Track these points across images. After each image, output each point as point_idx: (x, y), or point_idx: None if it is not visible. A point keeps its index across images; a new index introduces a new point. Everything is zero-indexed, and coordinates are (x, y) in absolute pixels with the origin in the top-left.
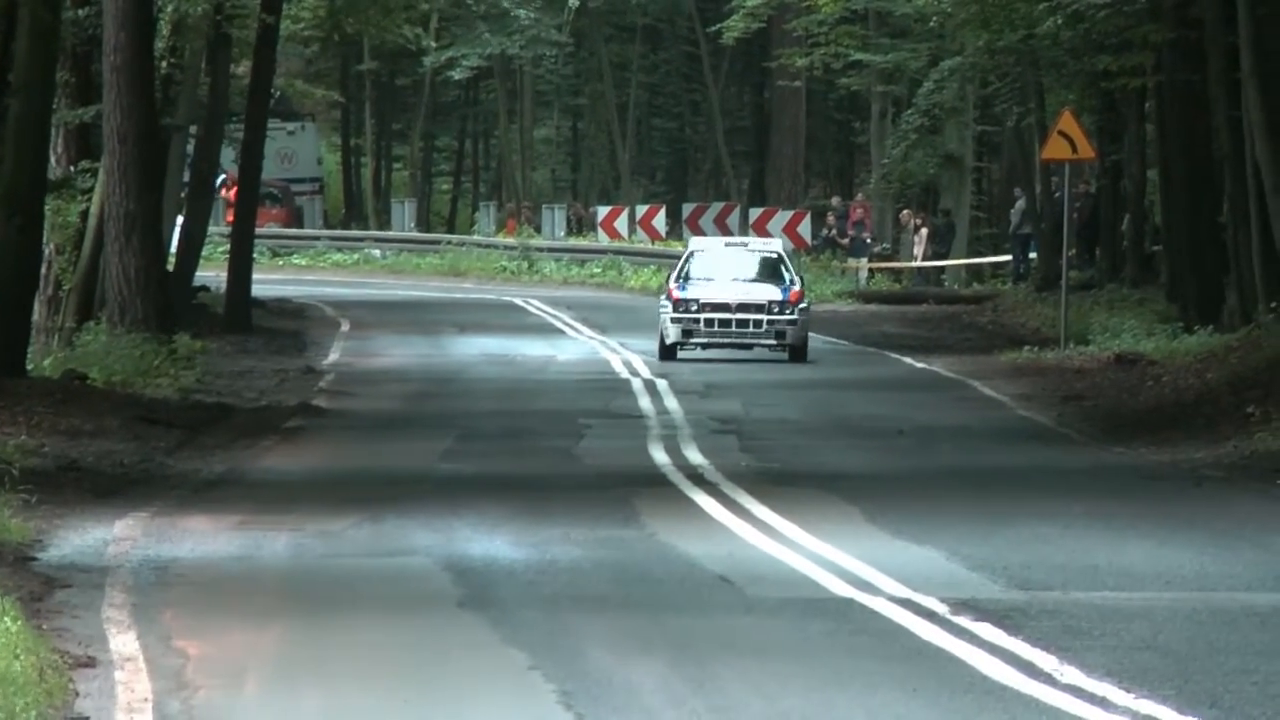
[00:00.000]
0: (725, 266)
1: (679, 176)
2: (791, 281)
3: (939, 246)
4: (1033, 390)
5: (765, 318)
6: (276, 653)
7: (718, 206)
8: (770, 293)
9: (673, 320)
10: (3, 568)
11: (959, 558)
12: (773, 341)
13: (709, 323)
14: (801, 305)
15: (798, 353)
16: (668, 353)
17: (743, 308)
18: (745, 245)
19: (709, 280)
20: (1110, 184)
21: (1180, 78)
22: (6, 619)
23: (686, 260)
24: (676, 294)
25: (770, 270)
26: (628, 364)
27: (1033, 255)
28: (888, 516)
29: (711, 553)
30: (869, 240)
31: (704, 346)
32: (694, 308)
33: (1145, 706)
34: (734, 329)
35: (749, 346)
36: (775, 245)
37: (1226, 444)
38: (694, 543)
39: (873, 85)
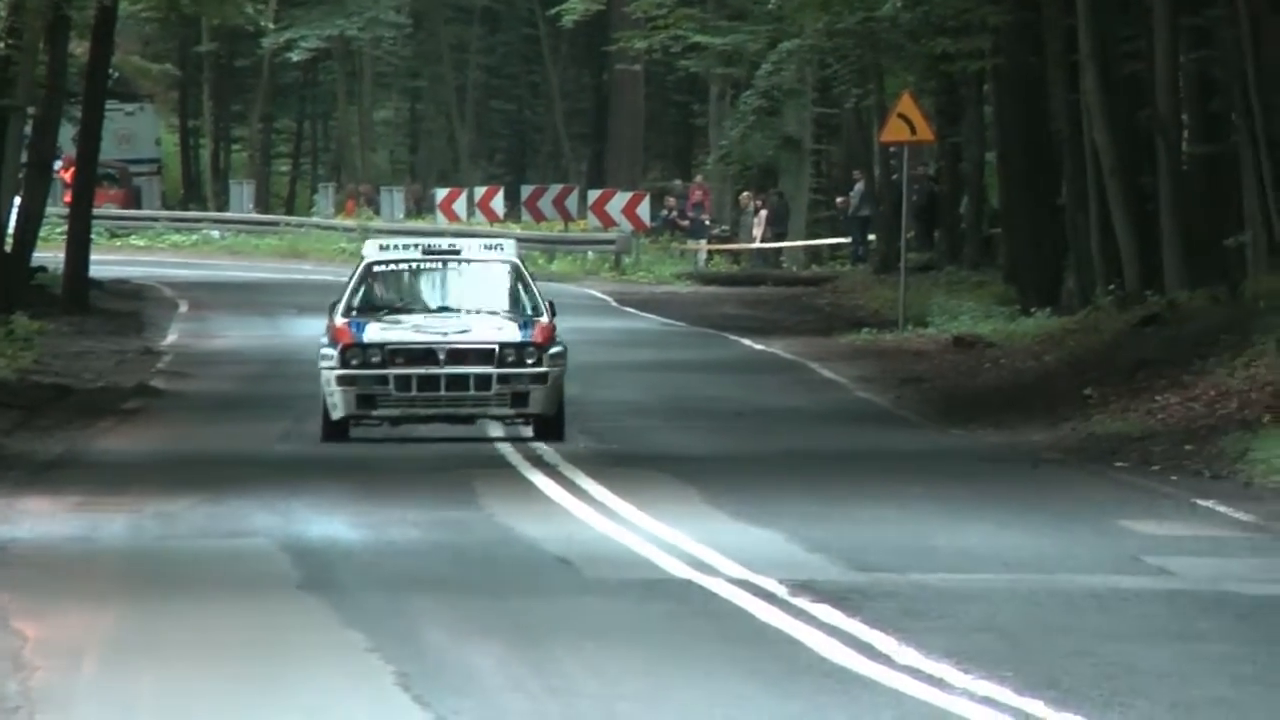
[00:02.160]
0: (425, 289)
1: (518, 159)
2: (535, 310)
3: (777, 228)
4: (871, 372)
5: (495, 371)
6: (114, 634)
7: (556, 188)
8: (501, 331)
9: (342, 381)
10: None
11: (798, 539)
12: (509, 410)
13: (403, 383)
14: (554, 350)
15: (549, 427)
16: (335, 431)
17: (458, 357)
18: (457, 253)
19: (401, 312)
20: (949, 166)
21: (1019, 61)
22: None
23: (361, 280)
24: (348, 336)
25: (500, 293)
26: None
27: (871, 237)
28: (726, 498)
29: (550, 534)
30: (708, 222)
31: (395, 421)
32: (376, 359)
33: (983, 688)
34: (445, 392)
35: (468, 419)
36: (506, 252)
37: (1064, 426)
38: (533, 524)
39: (711, 68)
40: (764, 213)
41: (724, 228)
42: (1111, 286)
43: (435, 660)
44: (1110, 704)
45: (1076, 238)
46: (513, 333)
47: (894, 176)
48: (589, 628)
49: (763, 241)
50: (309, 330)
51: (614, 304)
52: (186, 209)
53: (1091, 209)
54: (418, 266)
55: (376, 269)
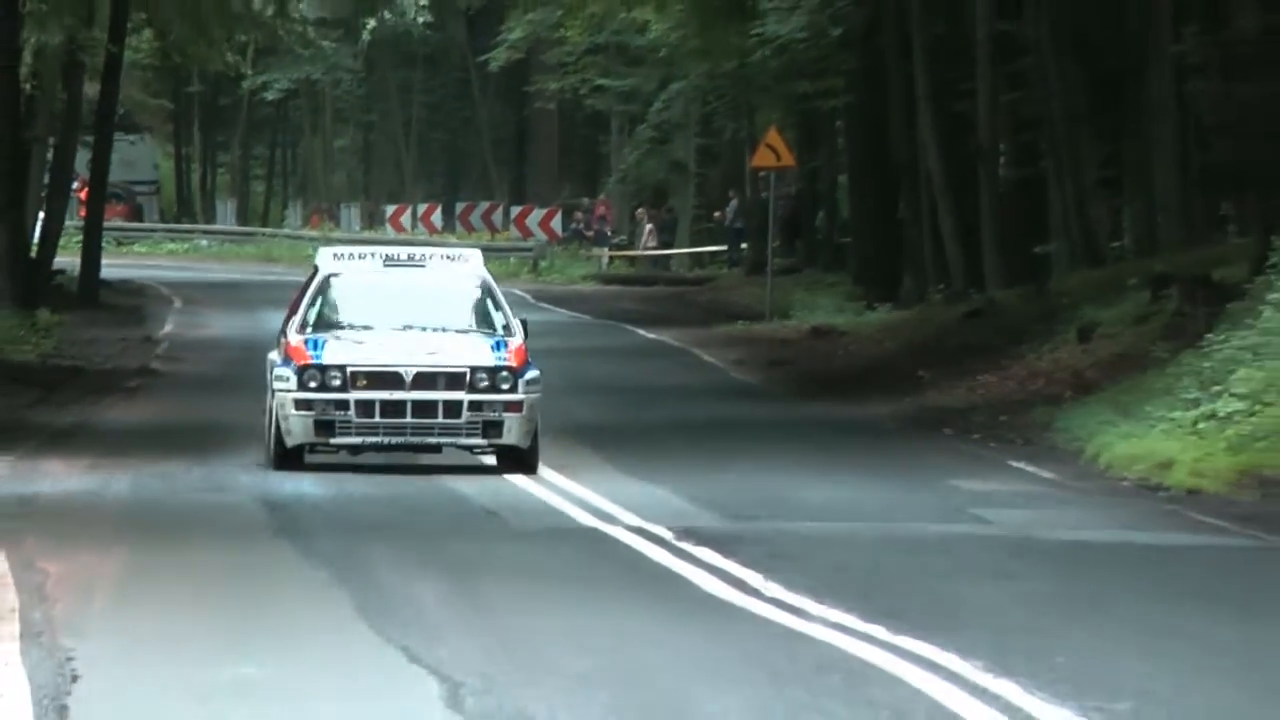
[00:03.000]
0: (387, 303)
1: (453, 180)
2: (506, 329)
3: (665, 237)
4: (744, 356)
5: (465, 397)
6: (119, 572)
7: (484, 204)
8: (472, 351)
9: (299, 405)
10: None
11: (684, 494)
12: (479, 440)
13: (364, 408)
14: (529, 375)
15: (521, 460)
16: (287, 458)
17: (425, 381)
18: (421, 265)
19: (362, 329)
20: (808, 186)
21: (866, 99)
22: None
23: (318, 293)
24: (305, 356)
25: (468, 309)
26: None
27: (744, 245)
28: (624, 460)
29: (480, 491)
30: (609, 233)
31: (355, 450)
32: (336, 382)
33: (835, 615)
34: (410, 419)
35: (435, 448)
36: (473, 264)
37: (903, 400)
38: (465, 483)
39: (612, 105)
40: (651, 225)
41: (622, 237)
42: (941, 286)
43: (387, 595)
44: (940, 630)
45: (913, 245)
46: (485, 354)
47: (763, 195)
48: (513, 568)
49: (654, 249)
50: (281, 322)
51: (531, 300)
52: (179, 222)
53: (925, 222)
54: (378, 279)
55: (334, 281)
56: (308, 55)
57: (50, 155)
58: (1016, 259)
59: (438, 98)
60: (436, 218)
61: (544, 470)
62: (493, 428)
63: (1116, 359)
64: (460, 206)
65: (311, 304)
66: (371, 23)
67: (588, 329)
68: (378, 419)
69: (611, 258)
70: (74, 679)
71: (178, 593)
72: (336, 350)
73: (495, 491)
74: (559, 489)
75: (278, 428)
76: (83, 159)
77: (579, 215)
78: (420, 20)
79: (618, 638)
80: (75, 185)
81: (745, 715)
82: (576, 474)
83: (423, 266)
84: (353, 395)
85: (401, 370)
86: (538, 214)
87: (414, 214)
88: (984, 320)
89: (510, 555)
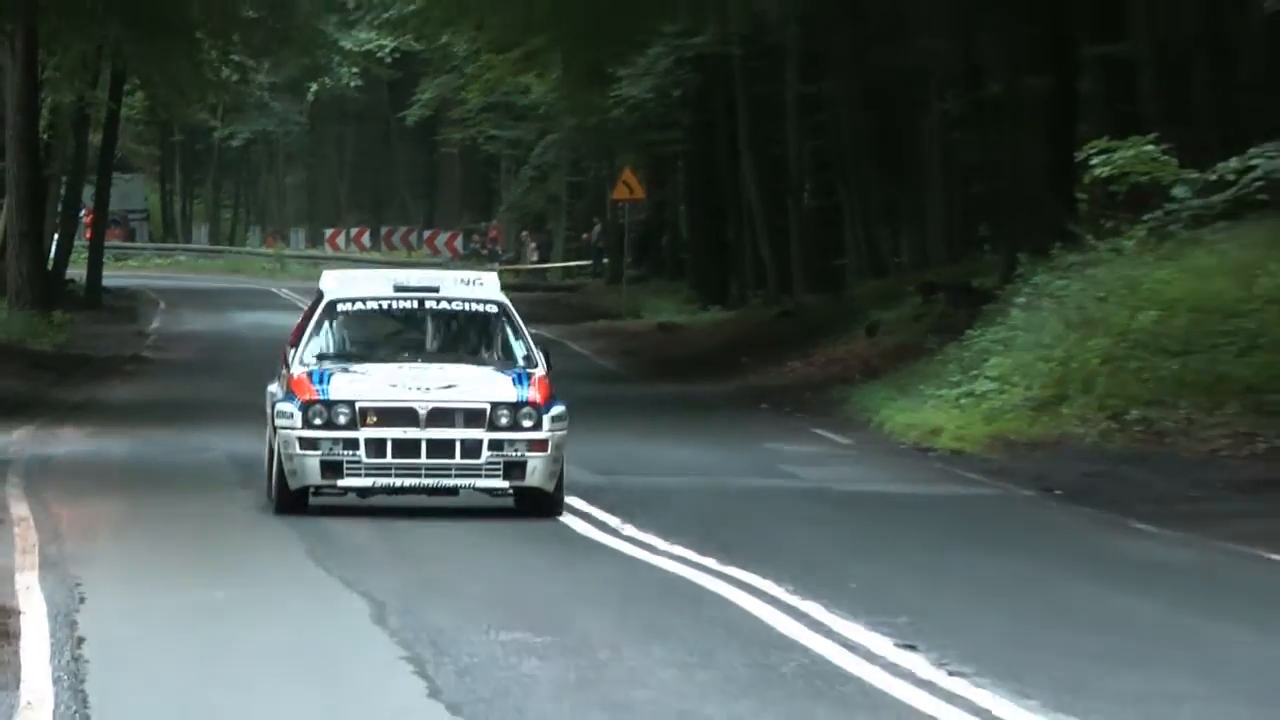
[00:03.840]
0: (398, 333)
1: (378, 209)
2: (528, 360)
3: (543, 254)
4: (605, 346)
5: (485, 436)
6: (119, 516)
7: (403, 228)
8: (492, 385)
9: (304, 444)
10: None
11: None
12: (500, 482)
13: (375, 448)
14: (555, 411)
15: (545, 504)
16: (291, 501)
17: (441, 418)
18: (434, 290)
19: (370, 361)
20: (656, 214)
21: (700, 146)
22: None
23: (322, 321)
24: (310, 390)
25: (487, 339)
26: None
27: (605, 260)
28: None
29: None
30: (500, 250)
31: (365, 493)
32: (344, 419)
33: (677, 550)
34: (426, 459)
35: (452, 490)
36: (489, 289)
37: (730, 382)
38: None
39: (502, 150)
40: (532, 244)
41: (510, 254)
42: (759, 292)
43: (325, 532)
44: (761, 562)
45: (737, 260)
46: (506, 389)
47: (620, 221)
48: (428, 514)
49: (535, 264)
50: (244, 320)
51: None
52: (164, 241)
53: (746, 241)
54: (389, 306)
55: (340, 308)
56: (264, 113)
57: (63, 190)
58: (818, 271)
59: (366, 145)
60: (366, 239)
61: None
62: (515, 469)
63: (897, 349)
64: (384, 230)
65: (316, 333)
66: (314, 87)
67: None
68: (390, 459)
69: (501, 270)
70: (81, 600)
71: (164, 533)
72: (344, 384)
73: None
74: None
75: (280, 468)
76: (88, 193)
77: (476, 237)
78: (353, 85)
79: (507, 569)
80: (83, 213)
81: (607, 627)
82: None
83: (436, 291)
84: (362, 433)
85: (416, 406)
86: (444, 236)
87: (347, 235)
88: (793, 319)
89: (424, 506)
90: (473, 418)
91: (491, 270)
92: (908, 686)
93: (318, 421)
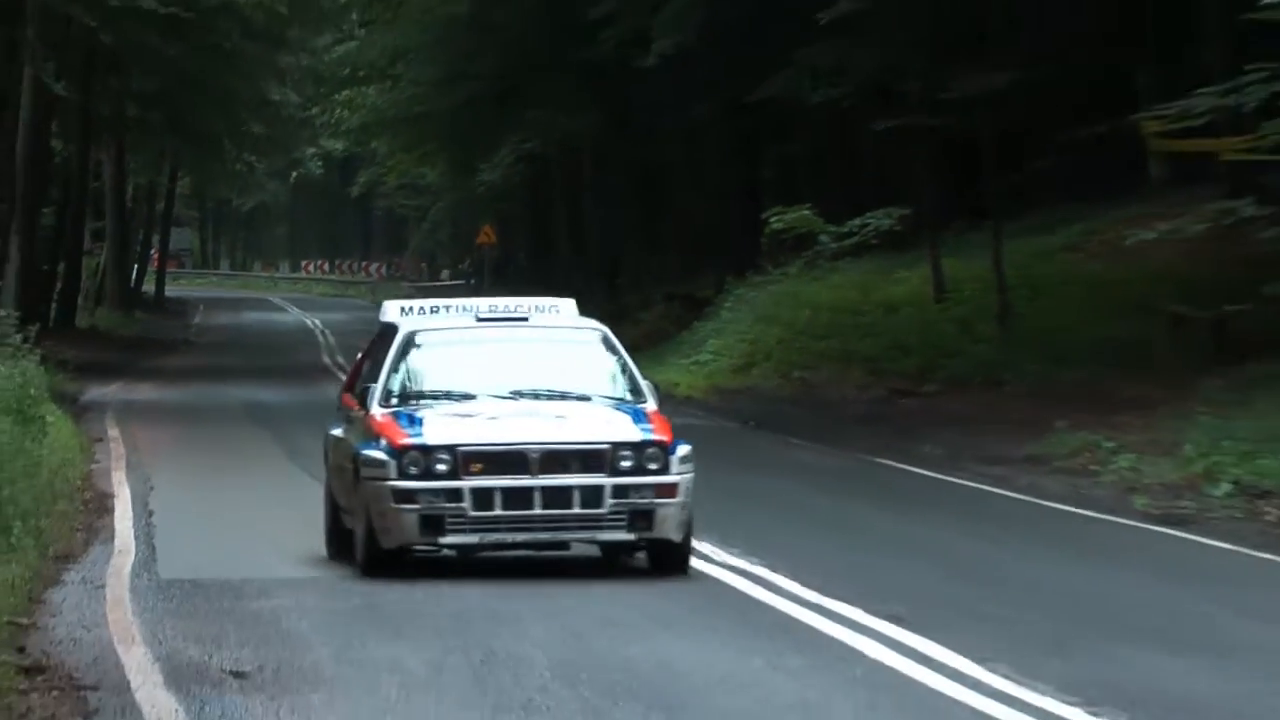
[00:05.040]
0: (489, 367)
1: (334, 248)
2: (636, 393)
3: (434, 275)
4: None
5: (608, 481)
6: (174, 438)
7: (349, 261)
8: (608, 424)
9: (399, 497)
10: (65, 404)
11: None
12: (625, 534)
13: (481, 499)
14: (682, 450)
15: (673, 556)
16: (382, 561)
17: (555, 463)
18: (524, 319)
19: (461, 398)
20: (504, 251)
21: (531, 211)
22: (65, 421)
23: (401, 355)
24: (402, 434)
25: (591, 372)
26: (315, 326)
27: (472, 280)
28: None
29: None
30: (408, 274)
31: (468, 550)
32: (444, 465)
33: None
34: (539, 510)
35: (563, 544)
36: (570, 312)
37: None
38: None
39: (410, 212)
40: (424, 268)
41: (415, 277)
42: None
43: (298, 444)
44: None
45: (558, 280)
46: (625, 427)
47: (482, 256)
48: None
49: (429, 282)
50: (254, 318)
51: (367, 303)
52: (202, 268)
53: (559, 268)
54: (473, 335)
55: (419, 339)
56: (262, 190)
57: (141, 237)
58: (608, 289)
59: (325, 208)
60: (327, 267)
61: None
62: (641, 518)
63: (652, 334)
64: (336, 261)
65: (394, 369)
66: (295, 174)
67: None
68: (498, 511)
69: (410, 286)
70: (150, 487)
71: (200, 448)
72: (440, 427)
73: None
74: None
75: (370, 525)
76: (156, 239)
77: (393, 264)
78: (317, 170)
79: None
80: (153, 252)
81: None
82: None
83: (525, 320)
84: (467, 483)
85: (526, 450)
86: (375, 265)
87: (315, 265)
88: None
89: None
90: (592, 461)
91: (402, 284)
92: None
93: (413, 470)
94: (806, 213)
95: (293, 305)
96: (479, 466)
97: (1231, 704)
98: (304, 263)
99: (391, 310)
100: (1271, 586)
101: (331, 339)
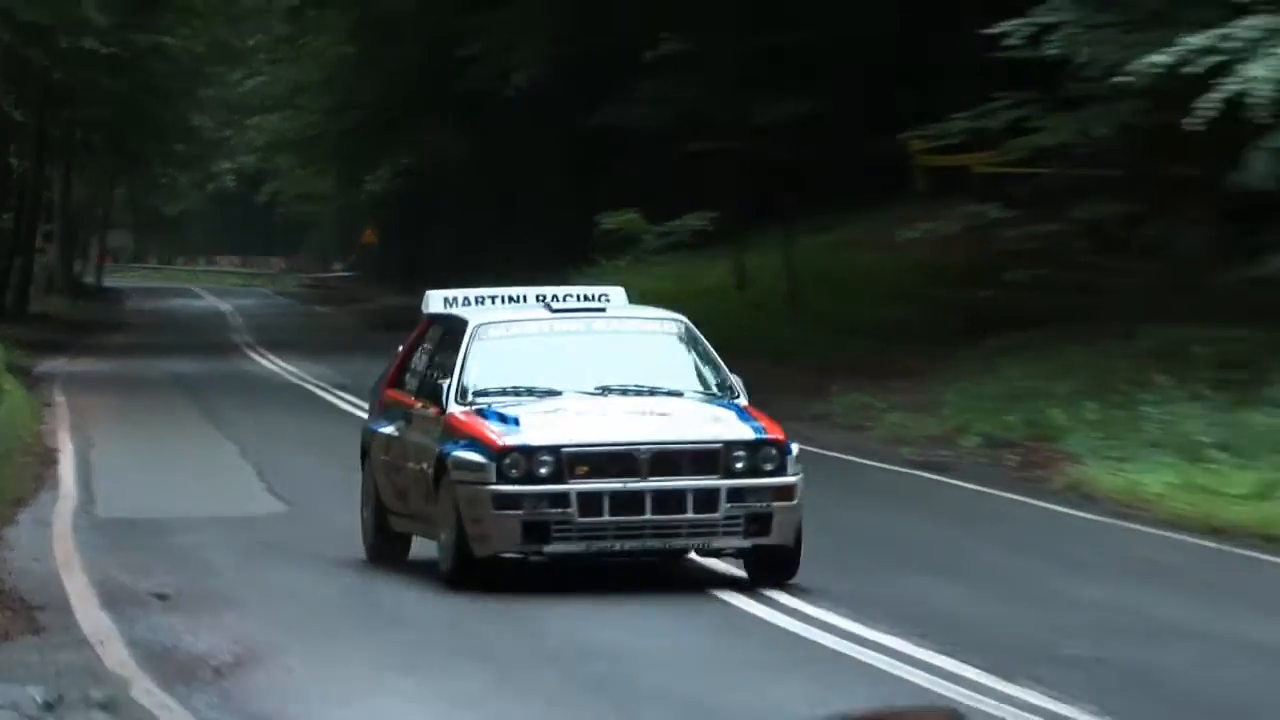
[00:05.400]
0: (567, 362)
1: (245, 246)
2: (726, 388)
3: (326, 269)
4: (352, 311)
5: (723, 484)
6: (113, 404)
7: (257, 257)
8: (715, 421)
9: (499, 502)
10: (20, 375)
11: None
12: (740, 541)
13: (589, 504)
14: (791, 451)
15: (783, 562)
16: (472, 570)
17: (665, 464)
18: (601, 309)
19: (545, 394)
20: (382, 250)
21: (407, 218)
22: (20, 390)
23: (469, 349)
24: (496, 434)
25: (678, 366)
26: (227, 310)
27: (358, 273)
28: (286, 355)
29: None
30: (303, 271)
31: (570, 559)
32: (547, 467)
33: None
34: (651, 515)
35: (675, 552)
36: (619, 300)
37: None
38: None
39: (306, 218)
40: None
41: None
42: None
43: (257, 433)
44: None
45: (425, 273)
46: (734, 425)
47: (364, 254)
48: (264, 407)
49: (319, 275)
50: (177, 302)
51: (270, 293)
52: (135, 265)
53: (429, 261)
54: (548, 327)
55: (487, 332)
56: (185, 199)
57: (83, 238)
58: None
59: (237, 212)
60: (238, 262)
61: (277, 359)
62: (756, 523)
63: None
64: (247, 257)
65: (465, 364)
66: (211, 185)
67: (286, 304)
68: (607, 517)
69: (308, 279)
70: (91, 445)
71: (134, 411)
72: (538, 426)
73: (280, 371)
74: (291, 370)
75: (461, 531)
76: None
77: (291, 259)
78: (230, 183)
79: (290, 428)
80: (94, 249)
81: None
82: (291, 362)
83: (602, 311)
84: (574, 486)
85: (635, 450)
86: (276, 260)
87: (228, 260)
88: None
89: (263, 402)
90: (705, 461)
91: (305, 275)
92: None
93: (514, 473)
94: (633, 216)
95: (209, 293)
96: (584, 469)
97: (982, 619)
98: (219, 258)
99: (436, 301)
100: (1013, 521)
101: (240, 320)
